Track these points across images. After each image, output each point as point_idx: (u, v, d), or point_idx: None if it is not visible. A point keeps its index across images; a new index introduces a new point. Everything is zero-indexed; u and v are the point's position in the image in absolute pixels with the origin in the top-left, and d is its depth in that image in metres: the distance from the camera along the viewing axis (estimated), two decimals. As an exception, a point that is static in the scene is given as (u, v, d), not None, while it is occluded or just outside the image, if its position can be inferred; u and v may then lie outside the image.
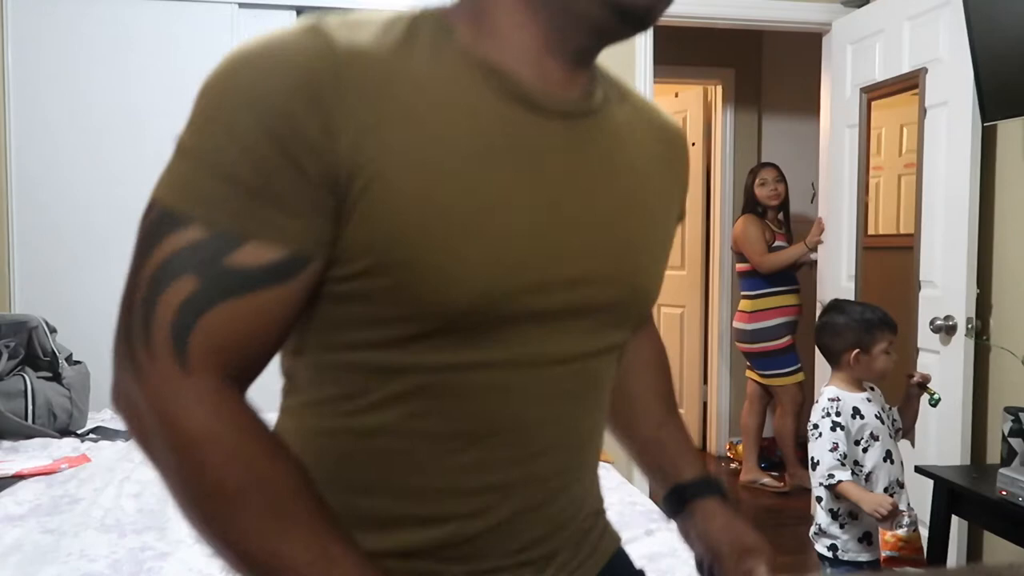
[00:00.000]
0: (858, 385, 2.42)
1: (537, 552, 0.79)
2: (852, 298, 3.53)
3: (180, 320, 0.64)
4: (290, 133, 0.63)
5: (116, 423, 2.80)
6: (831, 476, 2.27)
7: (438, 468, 0.73)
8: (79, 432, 2.65)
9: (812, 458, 2.31)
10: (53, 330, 2.85)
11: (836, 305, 2.57)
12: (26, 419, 2.56)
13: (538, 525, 0.79)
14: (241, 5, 3.39)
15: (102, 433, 2.64)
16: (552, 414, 0.76)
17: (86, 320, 3.30)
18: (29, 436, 2.52)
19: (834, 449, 2.29)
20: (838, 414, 2.33)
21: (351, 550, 0.65)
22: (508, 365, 0.72)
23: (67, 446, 2.46)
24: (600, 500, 0.95)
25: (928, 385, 2.53)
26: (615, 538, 0.98)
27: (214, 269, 0.64)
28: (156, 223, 0.68)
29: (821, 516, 2.38)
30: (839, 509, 2.34)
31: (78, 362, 2.89)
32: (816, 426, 2.33)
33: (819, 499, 2.36)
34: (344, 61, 0.66)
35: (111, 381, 0.68)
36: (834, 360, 2.44)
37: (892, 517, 2.21)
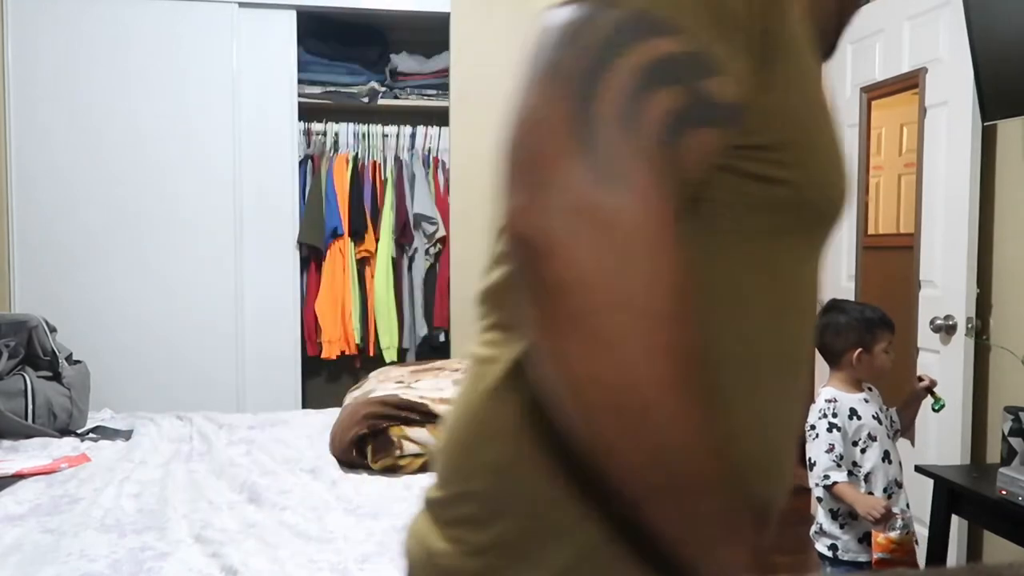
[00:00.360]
0: (857, 385, 2.42)
1: None
2: (852, 298, 3.53)
3: (668, 131, 0.55)
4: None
5: (116, 423, 2.80)
6: (826, 477, 2.28)
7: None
8: (79, 432, 2.65)
9: (809, 459, 2.32)
10: (53, 329, 2.85)
11: (836, 305, 2.56)
12: (26, 419, 2.56)
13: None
14: (241, 4, 3.39)
15: (102, 433, 2.64)
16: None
17: (86, 320, 3.30)
18: (29, 436, 2.52)
19: (830, 450, 2.29)
20: (835, 415, 2.33)
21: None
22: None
23: (67, 446, 2.46)
24: None
25: (935, 390, 2.53)
26: None
27: (698, 91, 0.56)
28: (631, 24, 0.57)
29: (822, 516, 2.38)
30: (839, 509, 2.34)
31: (78, 361, 2.89)
32: (813, 427, 2.33)
33: (819, 499, 2.37)
34: None
35: (511, 204, 0.57)
36: (835, 360, 2.44)
37: (885, 520, 2.20)
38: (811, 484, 2.33)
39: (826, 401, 2.35)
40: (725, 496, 0.59)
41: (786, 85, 0.61)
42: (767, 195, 0.62)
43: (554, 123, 0.56)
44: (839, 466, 2.29)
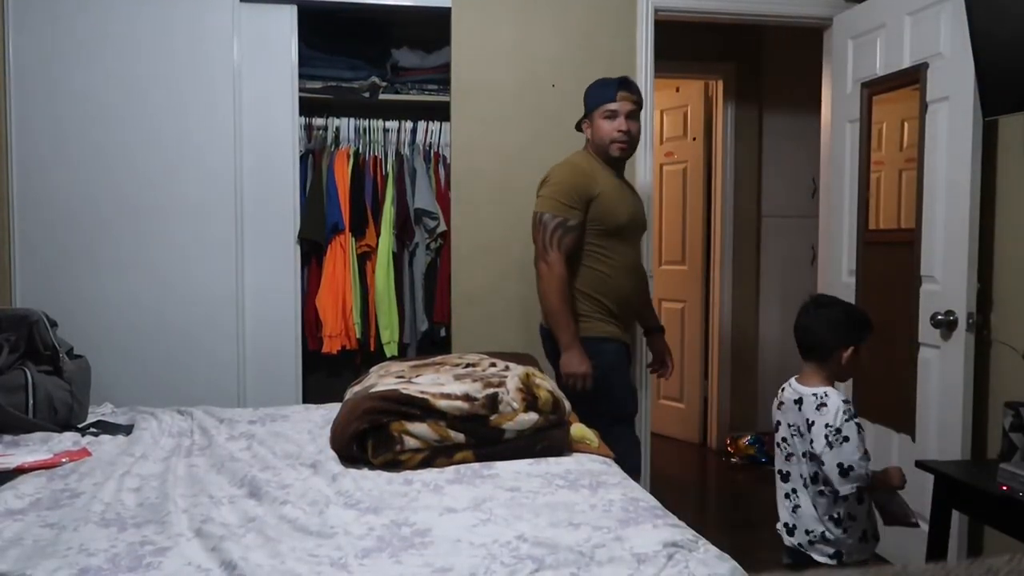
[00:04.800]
0: (830, 382, 2.39)
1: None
2: (853, 293, 3.53)
3: (560, 240, 2.91)
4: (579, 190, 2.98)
5: (116, 417, 2.80)
6: (869, 475, 2.26)
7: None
8: (80, 426, 2.65)
9: (841, 464, 2.23)
10: (54, 324, 2.84)
11: (828, 300, 2.52)
12: (27, 413, 2.56)
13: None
14: (241, 0, 3.39)
15: (102, 427, 2.64)
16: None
17: (87, 314, 3.31)
18: (30, 430, 2.52)
19: (864, 454, 2.27)
20: (855, 414, 2.31)
21: (572, 314, 2.95)
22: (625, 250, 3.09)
23: (67, 440, 2.46)
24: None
25: None
26: None
27: (565, 226, 2.93)
28: (543, 215, 2.95)
29: (816, 523, 2.34)
30: (839, 514, 2.32)
31: (79, 356, 2.89)
32: (839, 430, 2.25)
33: (815, 507, 2.33)
34: (587, 171, 3.03)
35: (537, 265, 2.96)
36: (824, 355, 2.38)
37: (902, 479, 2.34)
38: (846, 489, 2.26)
39: (844, 402, 2.31)
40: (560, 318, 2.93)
41: (597, 204, 2.96)
42: (598, 229, 2.98)
43: (538, 246, 2.97)
44: (869, 459, 2.30)
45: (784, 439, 2.43)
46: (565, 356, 2.90)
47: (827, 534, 2.32)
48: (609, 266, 2.99)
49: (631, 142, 3.03)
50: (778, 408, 2.46)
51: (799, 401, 2.35)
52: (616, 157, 3.02)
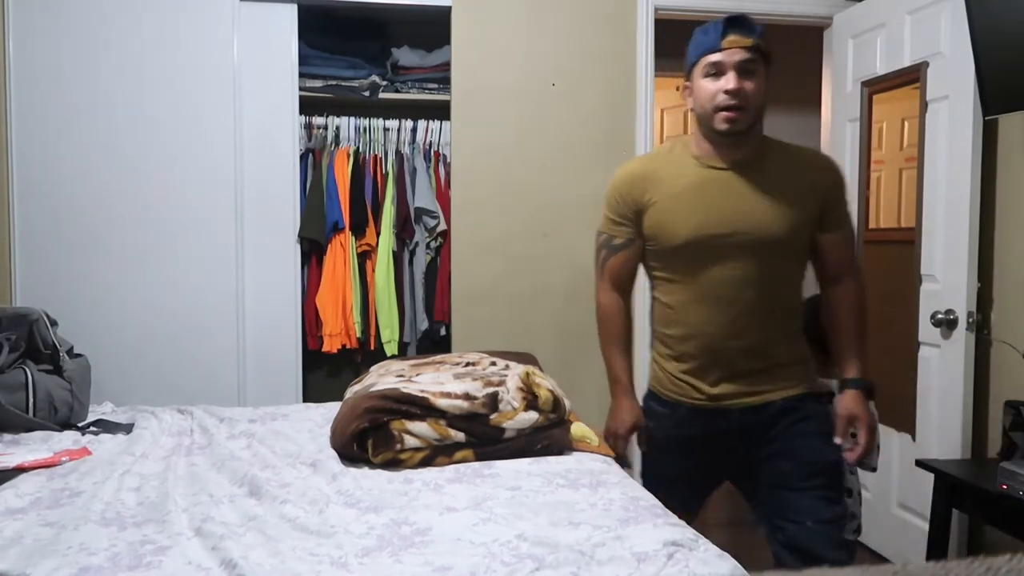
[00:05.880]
0: None
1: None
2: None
3: (603, 264, 2.25)
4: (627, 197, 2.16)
5: (117, 416, 2.80)
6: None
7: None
8: (80, 425, 2.65)
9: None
10: (54, 323, 2.85)
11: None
12: (27, 412, 2.56)
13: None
14: (241, -2, 3.39)
15: (103, 426, 2.64)
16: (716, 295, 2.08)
17: (87, 313, 3.31)
18: (30, 429, 2.52)
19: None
20: None
21: (624, 359, 2.26)
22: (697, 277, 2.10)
23: (68, 439, 2.46)
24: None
25: None
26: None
27: (609, 246, 2.23)
28: (599, 236, 2.25)
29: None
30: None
31: (79, 355, 2.89)
32: None
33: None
34: (639, 172, 2.17)
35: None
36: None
37: None
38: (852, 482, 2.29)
39: None
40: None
41: (649, 215, 2.11)
42: (654, 248, 2.14)
43: (597, 270, 2.29)
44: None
45: None
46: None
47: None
48: (674, 295, 2.13)
49: (747, 108, 1.99)
50: None
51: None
52: (723, 132, 2.01)
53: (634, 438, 2.27)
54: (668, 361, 2.16)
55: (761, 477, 2.12)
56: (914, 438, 3.19)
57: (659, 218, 2.09)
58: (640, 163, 2.23)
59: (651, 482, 2.18)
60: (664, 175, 2.11)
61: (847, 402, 2.08)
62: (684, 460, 2.19)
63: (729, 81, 1.97)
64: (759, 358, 2.08)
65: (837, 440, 2.02)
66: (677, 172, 2.10)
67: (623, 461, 2.21)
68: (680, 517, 1.79)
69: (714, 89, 1.99)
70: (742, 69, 1.98)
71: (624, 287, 2.26)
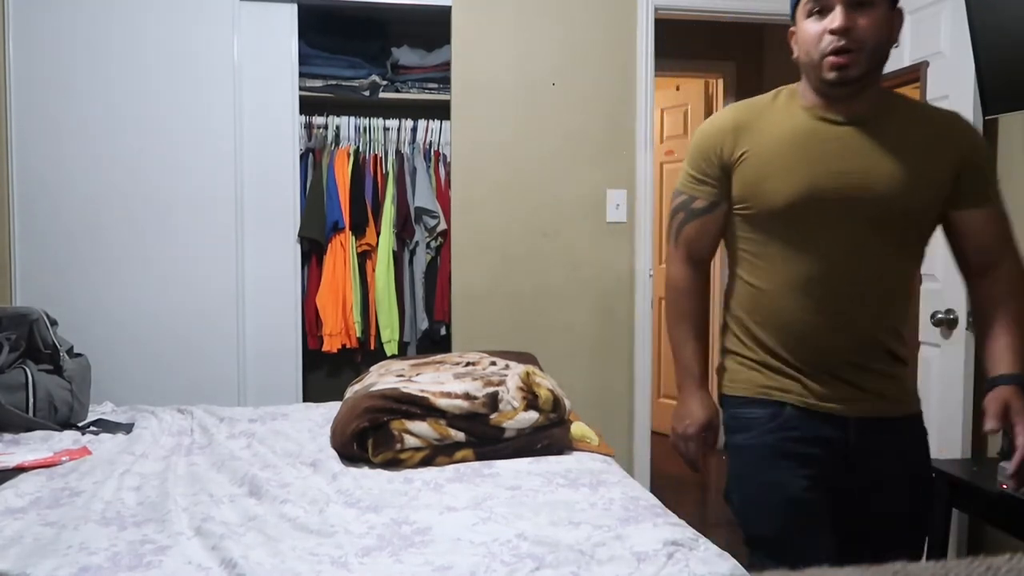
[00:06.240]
0: None
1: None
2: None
3: (678, 230, 1.82)
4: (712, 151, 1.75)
5: (117, 416, 2.80)
6: None
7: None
8: (80, 425, 2.65)
9: None
10: (54, 323, 2.85)
11: None
12: (27, 412, 2.56)
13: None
14: (241, -2, 3.39)
15: (103, 426, 2.64)
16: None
17: (87, 313, 3.31)
18: (30, 429, 2.52)
19: None
20: None
21: (697, 345, 1.84)
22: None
23: (68, 439, 2.46)
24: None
25: None
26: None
27: (688, 209, 1.79)
28: (675, 198, 1.84)
29: None
30: None
31: (79, 355, 2.89)
32: None
33: None
34: (731, 121, 1.75)
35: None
36: None
37: None
38: None
39: None
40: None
41: (741, 170, 1.70)
42: (744, 213, 1.72)
43: (671, 237, 1.86)
44: None
45: None
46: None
47: None
48: (766, 274, 1.71)
49: (860, 51, 1.58)
50: None
51: None
52: (832, 82, 1.61)
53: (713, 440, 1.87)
54: (753, 350, 1.74)
55: (867, 506, 1.70)
56: (914, 438, 3.18)
57: (753, 175, 1.67)
58: (734, 111, 1.78)
59: (757, 508, 1.71)
60: (763, 125, 1.70)
61: (1002, 393, 1.59)
62: (799, 469, 1.66)
63: (836, 19, 1.57)
64: (879, 357, 1.68)
65: (989, 425, 1.57)
66: (781, 122, 1.68)
67: (694, 466, 1.85)
68: (816, 556, 1.52)
69: (818, 30, 1.60)
70: (852, 3, 1.58)
71: (702, 259, 1.84)
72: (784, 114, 1.70)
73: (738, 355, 1.77)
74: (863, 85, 1.62)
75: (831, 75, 1.59)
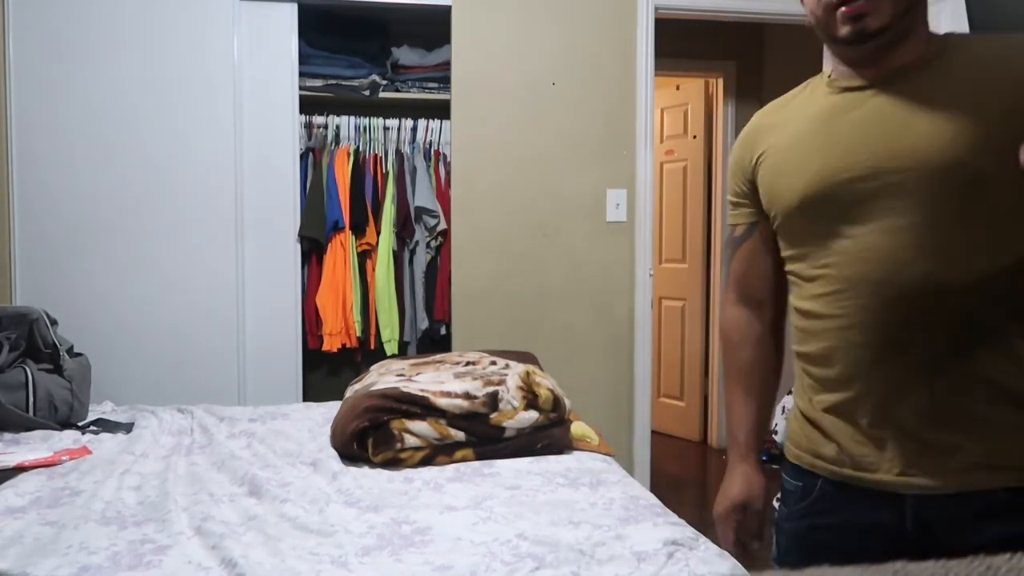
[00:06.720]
0: None
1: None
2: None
3: (728, 269, 1.52)
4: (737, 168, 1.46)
5: (117, 415, 2.80)
6: None
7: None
8: (80, 424, 2.65)
9: None
10: (54, 322, 2.85)
11: None
12: (27, 411, 2.56)
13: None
14: (241, -3, 3.39)
15: (103, 425, 2.64)
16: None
17: (87, 312, 3.31)
18: (30, 428, 2.52)
19: None
20: None
21: (747, 406, 1.47)
22: None
23: (68, 438, 2.46)
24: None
25: None
26: None
27: (731, 240, 1.49)
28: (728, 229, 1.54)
29: None
30: None
31: (79, 354, 2.89)
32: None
33: None
34: (755, 126, 1.46)
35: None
36: None
37: None
38: None
39: None
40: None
41: (761, 175, 1.38)
42: (775, 228, 1.38)
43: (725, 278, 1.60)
44: None
45: None
46: None
47: None
48: (805, 293, 1.32)
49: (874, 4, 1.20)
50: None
51: None
52: (848, 39, 1.24)
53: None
54: (805, 398, 1.33)
55: None
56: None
57: (769, 177, 1.36)
58: (758, 114, 1.48)
59: None
60: (785, 119, 1.38)
61: None
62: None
63: None
64: (950, 398, 1.16)
65: None
66: (803, 109, 1.35)
67: (747, 562, 1.49)
68: None
69: None
70: None
71: (756, 299, 1.46)
72: (808, 99, 1.35)
73: (796, 401, 1.37)
74: (895, 35, 1.21)
75: (845, 30, 1.22)
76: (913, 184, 1.16)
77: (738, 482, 1.44)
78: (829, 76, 1.33)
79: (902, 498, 1.17)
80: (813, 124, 1.30)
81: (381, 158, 3.79)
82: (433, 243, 3.80)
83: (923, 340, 1.16)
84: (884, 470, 1.19)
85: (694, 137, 5.34)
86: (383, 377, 2.51)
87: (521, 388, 2.28)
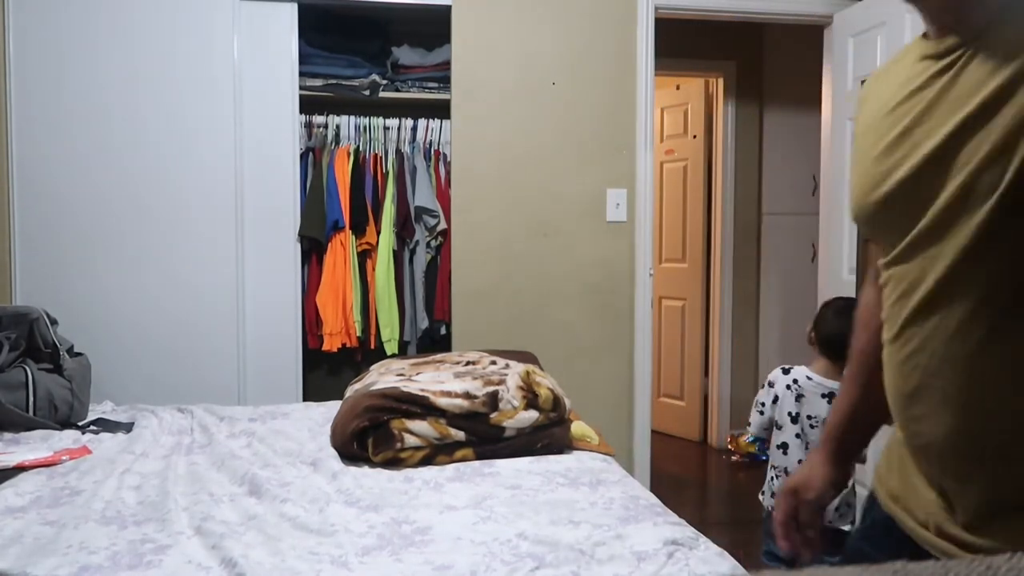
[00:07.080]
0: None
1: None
2: (854, 291, 3.53)
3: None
4: None
5: (117, 415, 2.80)
6: None
7: None
8: (80, 424, 2.65)
9: None
10: (54, 322, 2.85)
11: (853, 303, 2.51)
12: (27, 411, 2.56)
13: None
14: (241, -3, 3.39)
15: (103, 425, 2.64)
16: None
17: (87, 312, 3.31)
18: (30, 428, 2.52)
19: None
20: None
21: (852, 391, 1.30)
22: None
23: (68, 438, 2.46)
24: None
25: None
26: None
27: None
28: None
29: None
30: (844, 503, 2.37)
31: (79, 354, 2.89)
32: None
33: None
34: (864, 90, 1.17)
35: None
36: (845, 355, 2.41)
37: None
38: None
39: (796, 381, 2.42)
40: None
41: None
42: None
43: None
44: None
45: (803, 431, 2.45)
46: None
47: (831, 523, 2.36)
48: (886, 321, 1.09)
49: None
50: (796, 400, 2.47)
51: (828, 395, 2.38)
52: None
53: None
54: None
55: None
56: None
57: (854, 163, 1.14)
58: (877, 71, 1.19)
59: None
60: (876, 91, 1.12)
61: None
62: None
63: None
64: (977, 462, 0.95)
65: None
66: (891, 81, 1.07)
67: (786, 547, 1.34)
68: None
69: None
70: None
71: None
72: (900, 66, 1.08)
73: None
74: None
75: None
76: (931, 224, 0.96)
77: (803, 468, 1.34)
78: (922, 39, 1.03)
79: (914, 543, 1.06)
80: (889, 104, 1.04)
81: (381, 158, 3.79)
82: (433, 243, 3.80)
83: (935, 416, 0.98)
84: (911, 507, 1.08)
85: (694, 137, 5.34)
86: (383, 377, 2.51)
87: (521, 388, 2.28)
